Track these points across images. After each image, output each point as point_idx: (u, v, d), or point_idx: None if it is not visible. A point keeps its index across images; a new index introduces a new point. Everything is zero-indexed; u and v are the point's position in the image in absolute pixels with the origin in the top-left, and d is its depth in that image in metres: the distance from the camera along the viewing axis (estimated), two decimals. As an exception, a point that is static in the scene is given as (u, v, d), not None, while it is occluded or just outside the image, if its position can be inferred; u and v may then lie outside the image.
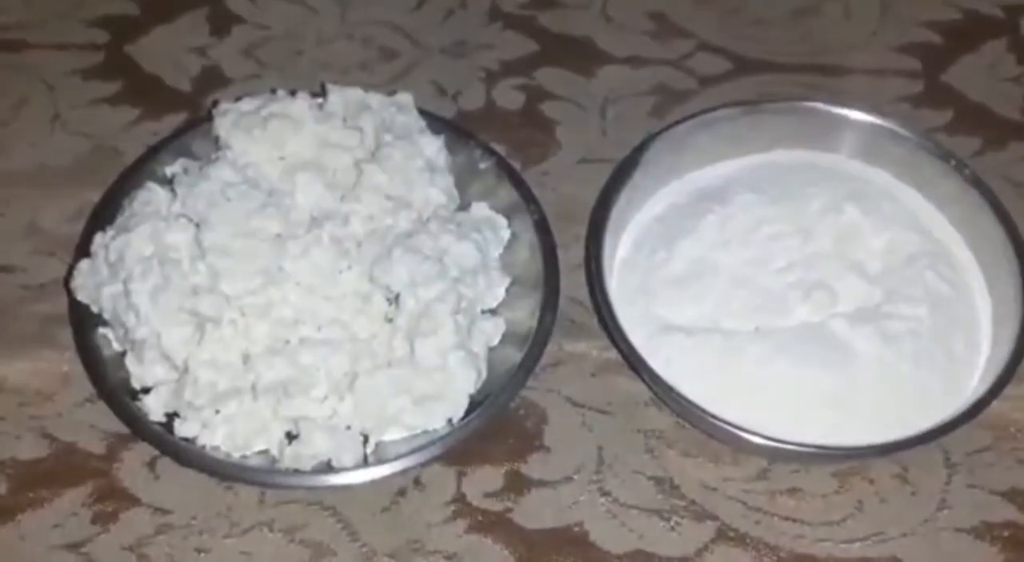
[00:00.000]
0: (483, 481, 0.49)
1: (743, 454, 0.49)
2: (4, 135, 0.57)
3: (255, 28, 0.61)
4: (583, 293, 0.52)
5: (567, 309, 0.52)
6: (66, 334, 0.50)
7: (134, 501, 0.48)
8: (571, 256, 0.53)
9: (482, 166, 0.54)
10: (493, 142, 0.56)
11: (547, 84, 0.59)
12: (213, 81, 0.59)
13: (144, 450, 0.49)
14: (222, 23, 0.61)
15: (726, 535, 0.47)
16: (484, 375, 0.49)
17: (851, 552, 0.47)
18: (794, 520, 0.48)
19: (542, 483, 0.49)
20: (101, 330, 0.50)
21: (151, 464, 0.49)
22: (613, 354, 0.51)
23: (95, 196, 0.53)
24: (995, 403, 0.48)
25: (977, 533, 0.48)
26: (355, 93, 0.54)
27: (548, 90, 0.59)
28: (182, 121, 0.57)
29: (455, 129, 0.55)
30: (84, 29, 0.60)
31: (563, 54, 0.60)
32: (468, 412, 0.48)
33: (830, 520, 0.48)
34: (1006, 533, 0.48)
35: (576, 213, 0.54)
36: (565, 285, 0.52)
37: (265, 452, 0.48)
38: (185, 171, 0.53)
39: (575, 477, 0.49)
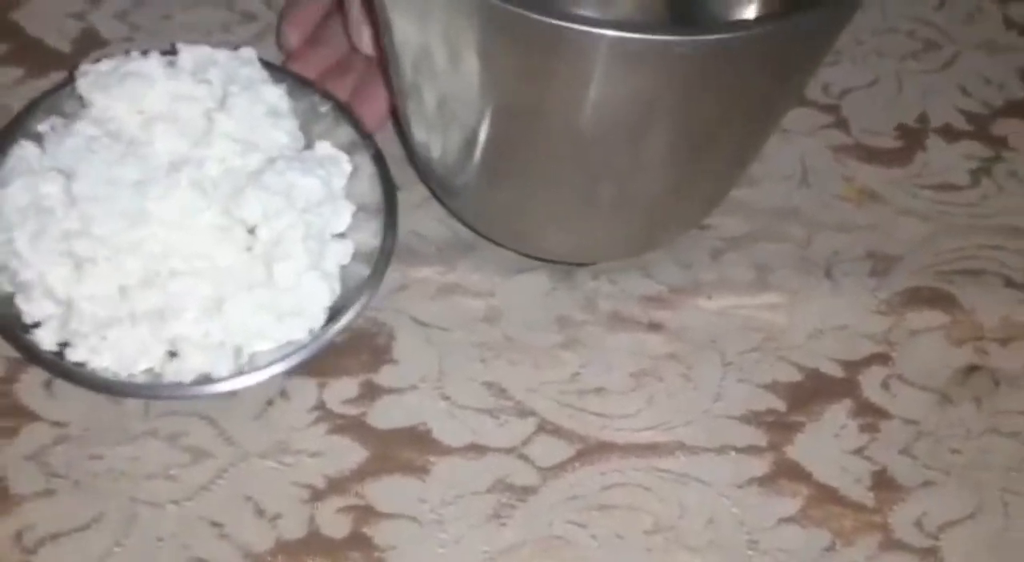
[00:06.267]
0: (341, 390, 0.48)
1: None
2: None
3: (128, -5, 0.57)
4: (424, 227, 0.52)
5: (409, 242, 0.51)
6: (-43, 280, 0.47)
7: (33, 417, 0.46)
8: (412, 197, 0.52)
9: (322, 110, 0.53)
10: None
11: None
12: (91, 43, 0.56)
13: (40, 374, 0.47)
14: (98, -10, 0.57)
15: (545, 428, 0.48)
16: (338, 290, 0.48)
17: (644, 438, 0.48)
18: (599, 414, 0.48)
19: (392, 390, 0.48)
20: (-10, 276, 0.47)
21: (47, 384, 0.47)
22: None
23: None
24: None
25: (746, 419, 0.49)
26: (202, 50, 0.51)
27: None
28: (64, 79, 0.53)
29: (296, 78, 0.53)
30: (-29, -3, 0.56)
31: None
32: (328, 323, 0.47)
33: (627, 413, 0.48)
34: (769, 418, 0.49)
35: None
36: (406, 222, 0.50)
37: (150, 370, 0.46)
38: (52, 128, 0.50)
39: (420, 385, 0.48)
